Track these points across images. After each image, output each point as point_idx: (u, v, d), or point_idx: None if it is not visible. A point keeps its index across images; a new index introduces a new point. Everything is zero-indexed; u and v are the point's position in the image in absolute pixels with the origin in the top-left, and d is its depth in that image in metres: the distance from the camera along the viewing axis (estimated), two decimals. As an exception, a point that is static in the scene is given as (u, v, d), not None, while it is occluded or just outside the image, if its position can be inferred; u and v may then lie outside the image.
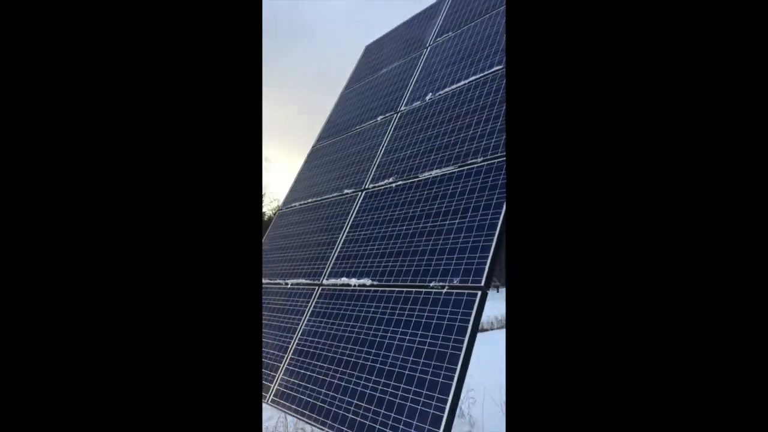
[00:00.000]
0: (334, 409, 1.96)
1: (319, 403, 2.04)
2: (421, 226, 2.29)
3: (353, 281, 2.44)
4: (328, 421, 1.93)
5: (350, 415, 1.86)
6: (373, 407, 1.81)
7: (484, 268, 1.82)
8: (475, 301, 1.76)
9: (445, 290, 1.91)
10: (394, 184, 2.71)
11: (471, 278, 1.84)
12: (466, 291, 1.83)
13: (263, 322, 2.91)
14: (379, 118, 3.45)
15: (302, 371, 2.30)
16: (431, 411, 1.61)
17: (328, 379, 2.12)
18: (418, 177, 2.57)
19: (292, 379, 2.31)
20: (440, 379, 1.67)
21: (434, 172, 2.47)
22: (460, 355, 1.67)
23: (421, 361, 1.78)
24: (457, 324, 1.76)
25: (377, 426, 1.74)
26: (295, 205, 3.68)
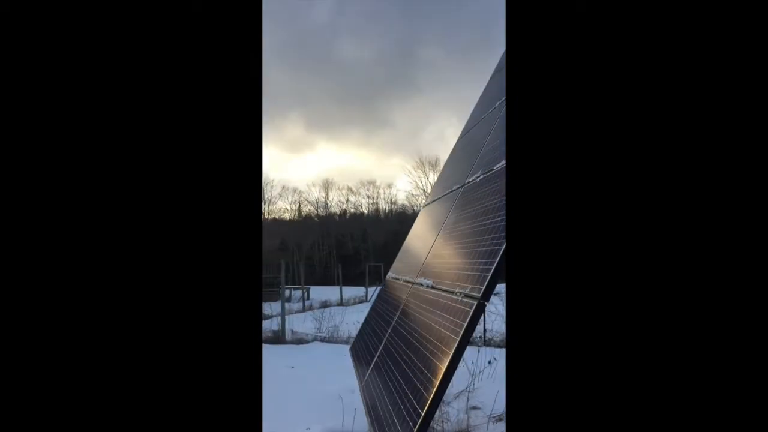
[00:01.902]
0: (358, 413, 2.04)
1: (366, 403, 2.15)
2: (477, 224, 2.10)
3: (424, 282, 2.41)
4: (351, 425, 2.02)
5: (362, 419, 1.92)
6: (378, 412, 1.82)
7: (487, 276, 1.60)
8: (469, 312, 1.57)
9: (460, 298, 1.75)
10: (479, 179, 2.53)
11: (477, 286, 1.64)
12: (469, 300, 1.64)
13: (378, 312, 3.13)
14: (497, 104, 3.20)
15: (379, 368, 2.43)
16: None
17: (377, 378, 2.19)
18: (492, 169, 2.34)
19: (373, 376, 2.47)
20: (419, 398, 1.57)
21: (503, 162, 2.21)
22: (441, 370, 1.53)
23: (419, 374, 1.70)
24: (452, 336, 1.61)
25: None
26: (431, 202, 3.75)
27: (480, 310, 1.53)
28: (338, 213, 44.09)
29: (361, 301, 16.18)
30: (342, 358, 6.65)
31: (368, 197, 44.01)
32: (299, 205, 43.88)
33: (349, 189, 44.06)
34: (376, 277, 18.50)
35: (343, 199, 44.17)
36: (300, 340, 8.54)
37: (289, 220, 43.49)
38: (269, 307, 11.65)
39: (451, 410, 3.99)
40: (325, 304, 15.17)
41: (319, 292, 19.91)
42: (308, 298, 18.56)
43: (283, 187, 50.97)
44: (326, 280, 20.56)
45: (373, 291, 17.60)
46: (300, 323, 10.60)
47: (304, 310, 14.17)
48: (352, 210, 44.03)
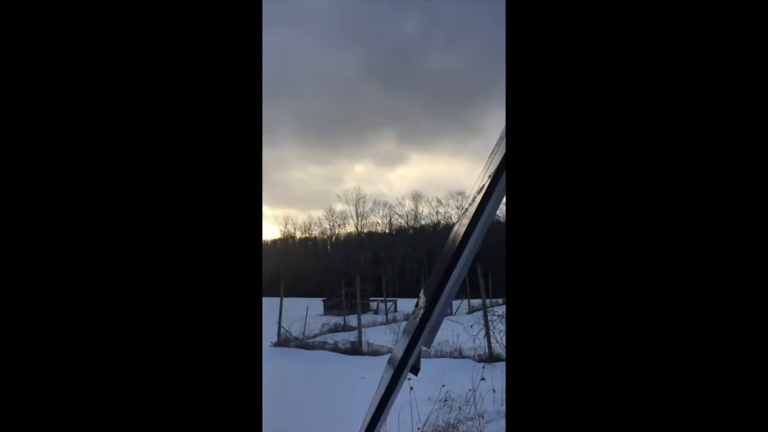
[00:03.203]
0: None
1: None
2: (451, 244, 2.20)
3: (422, 297, 2.53)
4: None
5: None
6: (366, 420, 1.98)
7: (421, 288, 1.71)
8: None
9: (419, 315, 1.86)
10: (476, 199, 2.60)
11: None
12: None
13: (408, 323, 3.27)
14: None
15: (384, 378, 2.58)
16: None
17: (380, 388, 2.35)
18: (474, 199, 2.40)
19: (380, 387, 2.63)
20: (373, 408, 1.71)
21: (481, 183, 2.28)
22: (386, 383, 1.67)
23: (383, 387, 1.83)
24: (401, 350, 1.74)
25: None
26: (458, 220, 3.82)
27: (420, 326, 1.65)
28: (430, 225, 44.30)
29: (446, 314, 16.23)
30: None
31: (458, 208, 43.70)
32: (390, 219, 44.86)
33: (438, 201, 44.17)
34: (461, 289, 18.38)
35: (433, 211, 44.36)
36: (375, 352, 8.86)
37: (382, 233, 44.59)
38: (350, 320, 12.18)
39: (491, 428, 3.97)
40: (408, 317, 15.34)
41: (407, 305, 20.16)
42: (395, 311, 18.92)
43: (375, 202, 52.57)
44: (418, 292, 20.81)
45: (458, 304, 17.54)
46: (381, 335, 10.94)
47: (387, 322, 14.50)
48: (442, 222, 44.00)
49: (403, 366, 1.65)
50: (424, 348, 2.96)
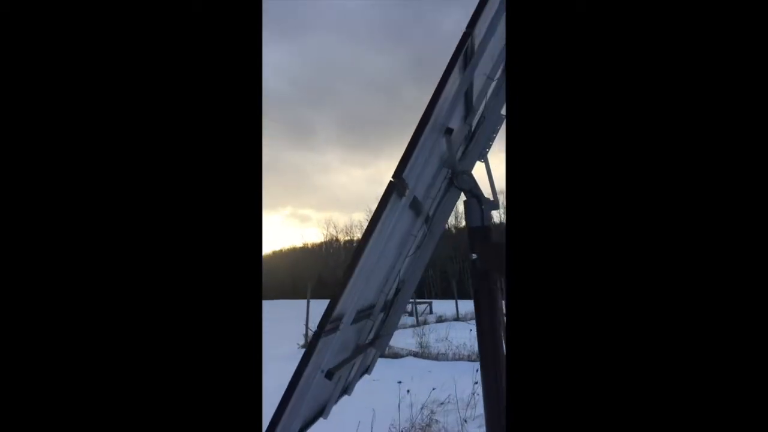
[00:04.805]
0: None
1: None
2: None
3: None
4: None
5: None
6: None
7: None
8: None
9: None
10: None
11: (333, 316, 1.89)
12: (326, 328, 1.90)
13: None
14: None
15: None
16: None
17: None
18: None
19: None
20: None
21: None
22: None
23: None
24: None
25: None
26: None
27: (314, 339, 1.80)
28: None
29: (480, 316, 16.07)
30: (405, 370, 6.87)
31: (503, 206, 42.88)
32: (430, 219, 44.65)
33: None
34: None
35: (475, 211, 43.74)
36: (395, 354, 8.99)
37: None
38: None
39: (473, 430, 4.01)
40: (440, 319, 15.37)
41: (446, 306, 20.10)
42: (430, 312, 18.94)
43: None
44: (461, 294, 20.72)
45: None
46: (405, 338, 11.05)
47: (417, 324, 14.55)
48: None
49: (303, 366, 1.78)
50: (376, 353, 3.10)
